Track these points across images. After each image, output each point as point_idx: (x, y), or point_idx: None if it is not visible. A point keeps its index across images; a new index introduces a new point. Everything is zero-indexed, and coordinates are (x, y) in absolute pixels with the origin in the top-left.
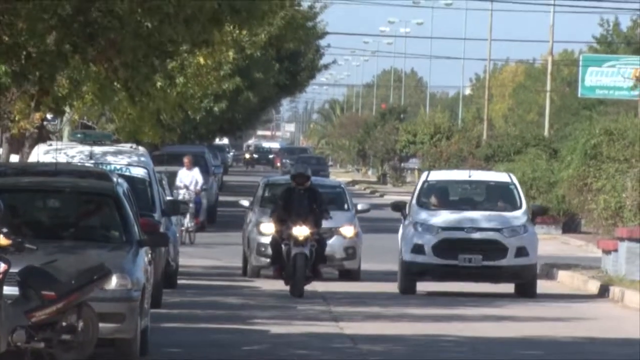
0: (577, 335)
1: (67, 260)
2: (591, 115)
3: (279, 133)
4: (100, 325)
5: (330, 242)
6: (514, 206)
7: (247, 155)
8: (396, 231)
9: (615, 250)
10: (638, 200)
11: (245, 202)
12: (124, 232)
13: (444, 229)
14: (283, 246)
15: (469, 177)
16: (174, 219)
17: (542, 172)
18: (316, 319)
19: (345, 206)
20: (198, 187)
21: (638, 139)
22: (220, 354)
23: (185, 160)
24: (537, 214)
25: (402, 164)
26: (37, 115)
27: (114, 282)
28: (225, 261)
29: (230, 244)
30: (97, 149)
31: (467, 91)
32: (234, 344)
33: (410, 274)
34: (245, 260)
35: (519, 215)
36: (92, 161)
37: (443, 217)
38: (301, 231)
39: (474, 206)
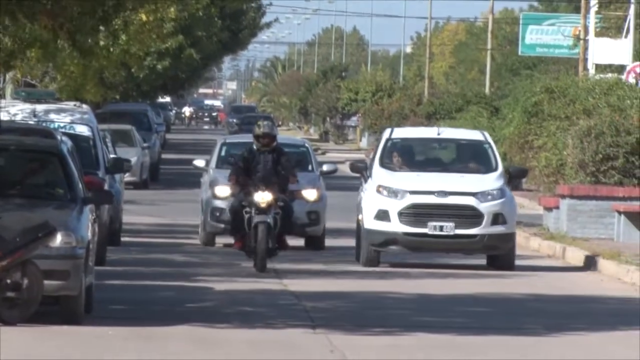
0: (522, 292)
1: (11, 218)
2: (532, 74)
3: (220, 91)
4: (45, 282)
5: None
6: (489, 168)
7: (187, 113)
8: (353, 189)
9: (557, 208)
10: (579, 158)
11: (200, 163)
12: (69, 190)
13: (412, 192)
14: (244, 214)
15: (438, 134)
16: (117, 176)
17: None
18: (260, 276)
19: (310, 167)
20: None
21: (579, 97)
22: (164, 311)
23: None
24: (516, 177)
25: (344, 122)
26: None
27: (58, 239)
28: (168, 219)
29: (173, 201)
30: (41, 107)
31: (409, 49)
32: (178, 301)
33: (373, 244)
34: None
35: (494, 178)
36: (35, 119)
37: (410, 179)
38: (263, 197)
39: (444, 167)
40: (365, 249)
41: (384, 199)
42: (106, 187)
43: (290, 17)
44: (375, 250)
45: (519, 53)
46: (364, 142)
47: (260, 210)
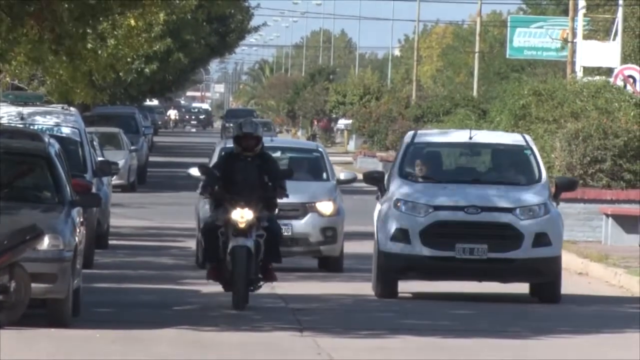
0: (507, 294)
1: None
2: (520, 76)
3: (208, 94)
4: (33, 285)
5: (303, 221)
6: (531, 178)
7: (173, 117)
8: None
9: None
10: (567, 161)
11: (195, 172)
12: (56, 193)
13: (437, 208)
14: (219, 236)
15: (470, 139)
16: (105, 179)
17: None
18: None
19: (324, 175)
20: None
21: (566, 100)
22: (151, 314)
23: None
24: (564, 189)
25: (332, 125)
26: None
27: (46, 242)
28: (156, 221)
29: (161, 204)
30: (28, 110)
31: (397, 52)
32: (165, 304)
33: (390, 270)
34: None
35: (537, 190)
36: (22, 122)
37: (435, 192)
38: (243, 214)
39: (477, 178)
40: (379, 276)
41: (403, 215)
42: (94, 189)
43: (278, 20)
44: (393, 278)
45: (507, 56)
46: (351, 145)
47: (239, 232)
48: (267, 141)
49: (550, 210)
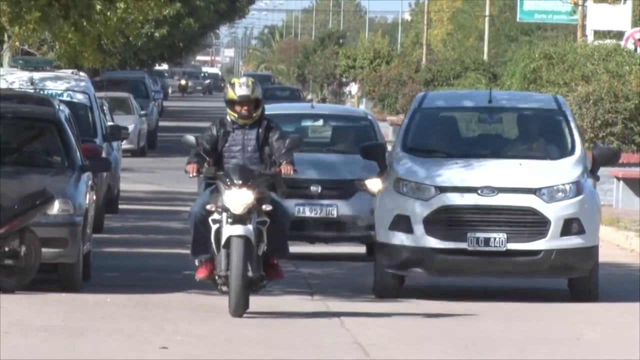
0: None
1: (9, 186)
2: (530, 40)
3: (218, 58)
4: (43, 250)
5: (350, 201)
6: (563, 150)
7: (183, 82)
8: None
9: None
10: (577, 124)
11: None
12: (66, 158)
13: (444, 189)
14: (211, 223)
15: (489, 102)
16: (115, 144)
17: None
18: None
19: None
20: None
21: (577, 63)
22: (161, 279)
23: None
24: (603, 163)
25: (343, 89)
26: None
27: (56, 207)
28: (166, 186)
29: (171, 168)
30: (38, 75)
31: (407, 16)
32: (175, 268)
33: (389, 265)
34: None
35: (569, 166)
36: (33, 87)
37: (443, 170)
38: (240, 197)
39: (497, 151)
40: (377, 271)
41: (404, 199)
42: (104, 154)
43: None
44: (393, 274)
45: (517, 19)
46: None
47: (236, 219)
48: (307, 107)
49: (584, 190)
